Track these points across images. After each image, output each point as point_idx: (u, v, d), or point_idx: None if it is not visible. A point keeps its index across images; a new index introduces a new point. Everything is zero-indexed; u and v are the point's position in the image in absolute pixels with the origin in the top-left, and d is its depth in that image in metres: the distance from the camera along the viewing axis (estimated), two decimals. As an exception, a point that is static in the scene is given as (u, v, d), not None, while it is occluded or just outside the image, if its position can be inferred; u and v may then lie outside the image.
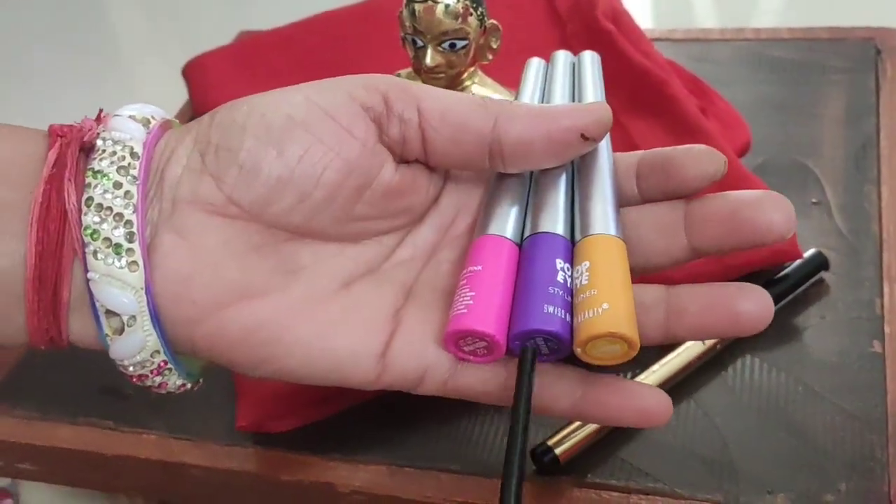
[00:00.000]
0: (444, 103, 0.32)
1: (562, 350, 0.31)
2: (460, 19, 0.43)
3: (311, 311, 0.31)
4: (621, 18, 0.59)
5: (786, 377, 0.43)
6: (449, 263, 0.34)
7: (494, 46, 0.46)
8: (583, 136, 0.32)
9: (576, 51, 0.59)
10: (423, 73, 0.45)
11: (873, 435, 0.40)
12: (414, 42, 0.44)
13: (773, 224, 0.31)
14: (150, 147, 0.31)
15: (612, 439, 0.41)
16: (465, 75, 0.46)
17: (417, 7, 0.43)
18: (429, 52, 0.44)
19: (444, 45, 0.43)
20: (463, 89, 0.46)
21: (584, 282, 0.31)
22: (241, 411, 0.44)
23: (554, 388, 0.32)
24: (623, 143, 0.53)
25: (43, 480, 0.49)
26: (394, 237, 0.34)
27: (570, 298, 0.31)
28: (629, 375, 0.43)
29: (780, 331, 0.45)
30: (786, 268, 0.46)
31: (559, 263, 0.32)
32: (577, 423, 0.41)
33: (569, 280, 0.31)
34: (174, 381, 0.32)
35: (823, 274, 0.47)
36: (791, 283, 0.46)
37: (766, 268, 0.46)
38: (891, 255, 0.48)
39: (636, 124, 0.54)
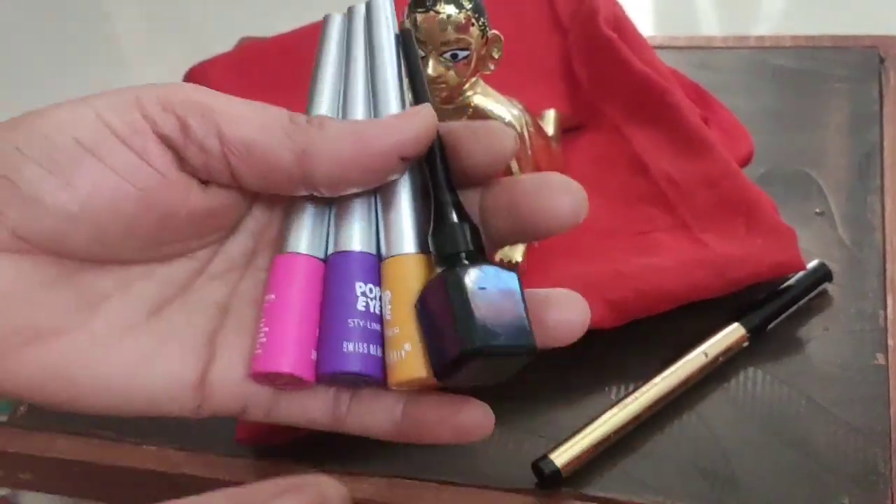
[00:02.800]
0: (246, 131, 0.29)
1: (377, 381, 0.30)
2: (462, 29, 0.43)
3: (117, 346, 0.29)
4: (623, 26, 0.59)
5: (788, 389, 0.43)
6: (265, 271, 0.32)
7: (496, 56, 0.45)
8: (402, 157, 0.29)
9: (577, 59, 0.59)
10: (425, 83, 0.45)
11: (876, 448, 0.40)
12: (415, 52, 0.44)
13: (554, 210, 0.29)
14: None
15: (614, 452, 0.41)
16: (467, 85, 0.45)
17: (419, 17, 0.43)
18: (430, 62, 0.43)
19: (445, 55, 0.43)
20: (464, 99, 0.46)
21: (387, 316, 0.29)
22: (241, 423, 0.43)
23: (373, 410, 0.31)
24: (624, 152, 0.53)
25: (43, 491, 0.49)
26: (207, 251, 0.32)
27: (377, 325, 0.30)
28: (630, 387, 0.43)
29: (783, 343, 0.45)
30: (789, 279, 0.46)
31: (360, 288, 0.30)
32: (578, 436, 0.41)
33: (372, 304, 0.30)
34: None
35: (827, 285, 0.47)
36: (794, 294, 0.46)
37: (770, 280, 0.46)
38: (894, 267, 0.47)
39: (637, 134, 0.53)
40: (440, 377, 0.28)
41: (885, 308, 0.46)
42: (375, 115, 0.32)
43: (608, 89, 0.57)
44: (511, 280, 0.28)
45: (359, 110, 0.32)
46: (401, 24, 0.32)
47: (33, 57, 1.51)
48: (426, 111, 0.30)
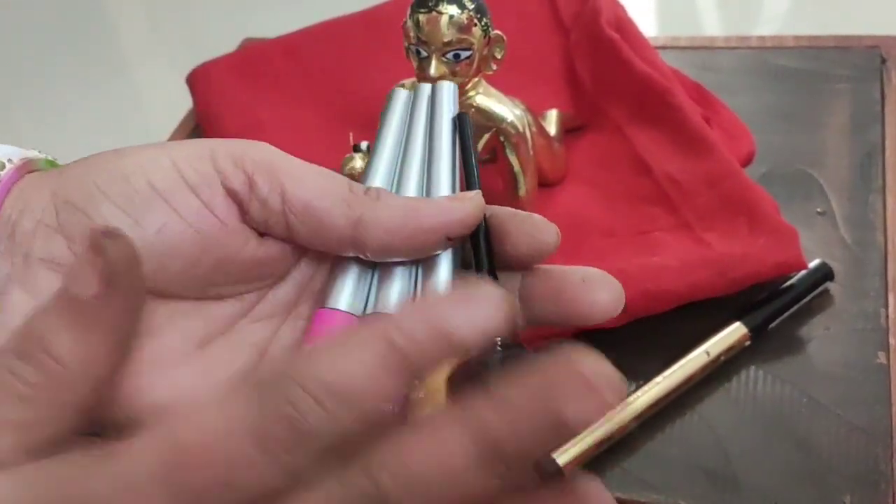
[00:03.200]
0: (309, 193, 0.31)
1: None
2: (464, 30, 0.43)
3: (164, 374, 0.31)
4: (625, 26, 0.59)
5: (790, 389, 0.43)
6: (305, 320, 0.34)
7: (499, 56, 0.45)
8: (448, 237, 0.31)
9: (579, 60, 0.59)
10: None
11: (878, 448, 0.40)
12: (418, 52, 0.44)
13: (595, 304, 0.31)
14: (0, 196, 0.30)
15: (615, 451, 0.41)
16: (469, 85, 0.46)
17: (422, 17, 0.43)
18: (433, 62, 0.44)
19: (448, 55, 0.43)
20: (467, 99, 0.46)
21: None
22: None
23: None
24: (626, 153, 0.53)
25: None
26: (254, 295, 0.33)
27: None
28: (632, 387, 0.43)
29: (785, 342, 0.45)
30: (790, 279, 0.46)
31: None
32: (580, 435, 0.41)
33: None
34: None
35: (828, 285, 0.47)
36: (795, 294, 0.46)
37: (771, 279, 0.46)
38: (895, 266, 0.47)
39: (639, 134, 0.54)
40: None
41: (886, 307, 0.46)
42: (427, 194, 0.34)
43: (610, 90, 0.57)
44: None
45: (412, 186, 0.34)
46: (460, 110, 0.33)
47: (35, 58, 1.51)
48: (476, 197, 0.32)
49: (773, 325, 0.45)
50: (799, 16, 1.28)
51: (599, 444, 0.41)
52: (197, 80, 0.65)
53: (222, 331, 0.33)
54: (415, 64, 0.45)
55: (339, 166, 0.48)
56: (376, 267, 0.33)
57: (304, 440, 0.22)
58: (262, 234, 0.32)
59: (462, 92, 0.45)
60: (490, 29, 0.44)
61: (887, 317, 0.45)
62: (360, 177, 0.45)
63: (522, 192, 0.48)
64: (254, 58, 0.66)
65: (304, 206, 0.31)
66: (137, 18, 1.67)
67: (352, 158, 0.47)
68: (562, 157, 0.54)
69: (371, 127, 0.49)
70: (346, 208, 0.31)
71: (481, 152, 0.47)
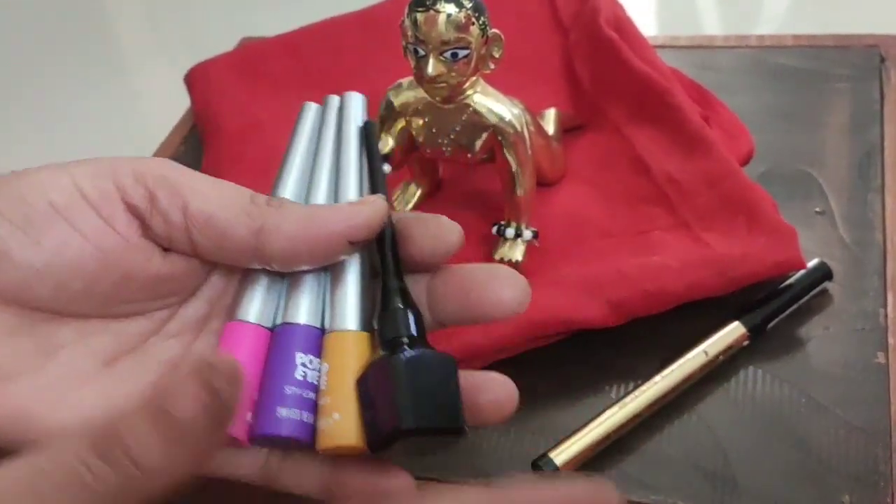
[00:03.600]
0: (210, 206, 0.31)
1: (307, 445, 0.31)
2: (462, 28, 0.43)
3: (71, 393, 0.31)
4: (624, 26, 0.59)
5: (789, 389, 0.43)
6: (217, 335, 0.34)
7: (497, 56, 0.45)
8: (351, 241, 0.32)
9: (578, 59, 0.59)
10: (425, 83, 0.45)
11: (878, 448, 0.40)
12: (416, 51, 0.44)
13: (501, 301, 0.31)
14: None
15: (613, 451, 0.41)
16: (467, 84, 0.45)
17: (419, 16, 0.43)
18: (430, 61, 0.43)
19: (445, 54, 0.43)
20: (465, 99, 0.46)
21: (322, 386, 0.31)
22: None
23: (301, 472, 0.32)
24: (625, 152, 0.53)
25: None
26: (164, 312, 0.34)
27: (312, 394, 0.31)
28: (630, 386, 0.43)
29: (784, 342, 0.45)
30: (789, 278, 0.46)
31: (300, 358, 0.32)
32: (578, 435, 0.41)
33: (311, 374, 0.32)
34: None
35: (827, 284, 0.47)
36: (794, 293, 0.46)
37: (770, 279, 0.46)
38: (895, 265, 0.47)
39: (638, 134, 0.53)
40: (373, 448, 0.30)
41: (885, 307, 0.45)
42: (336, 202, 0.34)
43: (609, 89, 0.57)
44: (448, 365, 0.31)
45: (321, 196, 0.35)
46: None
47: (34, 57, 1.51)
48: (378, 201, 0.33)
49: (771, 324, 0.45)
50: (798, 15, 1.28)
51: (597, 444, 0.41)
52: (195, 79, 0.65)
53: (132, 348, 0.33)
54: (412, 63, 0.44)
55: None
56: (285, 277, 0.34)
57: None
58: (166, 250, 0.32)
59: (460, 91, 0.45)
60: (488, 28, 0.44)
61: (886, 316, 0.45)
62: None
63: (520, 191, 0.48)
64: (252, 57, 0.66)
65: (205, 219, 0.31)
66: (136, 17, 1.66)
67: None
68: (560, 157, 0.54)
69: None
70: (247, 219, 0.31)
71: (479, 151, 0.47)
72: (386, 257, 0.33)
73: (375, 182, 0.35)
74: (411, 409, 0.29)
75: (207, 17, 1.48)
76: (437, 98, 0.46)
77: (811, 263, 0.46)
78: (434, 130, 0.47)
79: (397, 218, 0.34)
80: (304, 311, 0.33)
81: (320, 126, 0.36)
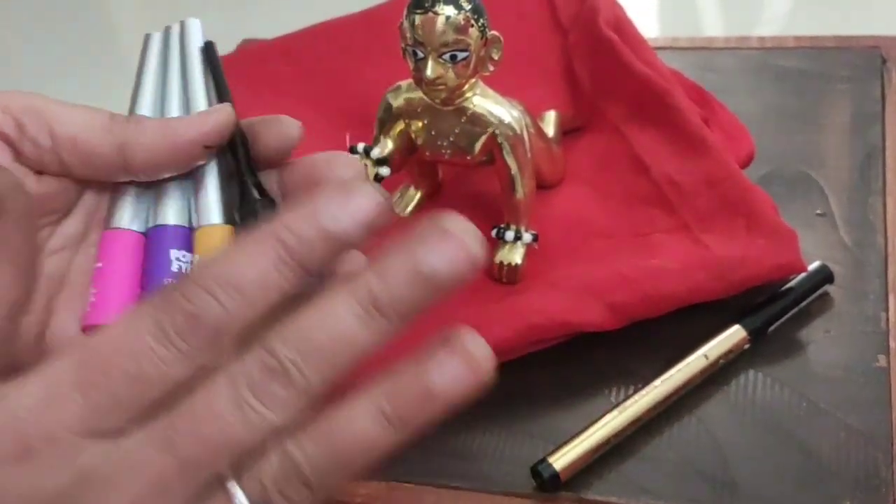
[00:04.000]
0: (74, 128, 0.34)
1: None
2: (461, 30, 0.43)
3: None
4: (624, 27, 0.58)
5: (789, 392, 0.43)
6: (96, 247, 0.37)
7: (496, 57, 0.45)
8: (205, 146, 0.35)
9: (578, 61, 0.59)
10: (425, 85, 0.45)
11: (878, 452, 0.40)
12: (415, 53, 0.44)
13: (341, 179, 0.35)
14: None
15: (613, 455, 0.41)
16: (466, 86, 0.45)
17: (418, 18, 0.42)
18: (429, 63, 0.43)
19: (444, 56, 0.43)
20: (464, 101, 0.46)
21: None
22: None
23: None
24: (625, 154, 0.53)
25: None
26: (44, 231, 0.36)
27: None
28: (630, 390, 0.43)
29: (784, 345, 0.45)
30: (790, 281, 0.46)
31: (174, 254, 0.36)
32: (577, 439, 0.41)
33: (185, 267, 0.36)
34: None
35: (828, 287, 0.46)
36: (795, 296, 0.46)
37: (770, 281, 0.45)
38: (896, 268, 0.47)
39: (638, 135, 0.53)
40: None
41: (886, 310, 0.45)
42: (188, 115, 0.38)
43: (609, 90, 0.56)
44: None
45: (174, 111, 0.38)
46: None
47: (34, 58, 1.51)
48: (225, 108, 0.36)
49: (772, 328, 0.45)
50: (799, 17, 1.28)
51: (597, 449, 0.41)
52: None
53: None
54: (411, 65, 0.44)
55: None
56: (152, 187, 0.37)
57: (202, 331, 0.25)
58: (39, 173, 0.35)
59: (459, 93, 0.45)
60: (487, 30, 0.44)
61: (887, 320, 0.45)
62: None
63: (520, 194, 0.47)
64: (251, 59, 0.66)
65: (71, 141, 0.34)
66: (137, 20, 1.66)
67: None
68: (560, 159, 0.54)
69: (367, 128, 0.50)
70: (109, 136, 0.34)
71: (478, 154, 0.47)
72: (239, 157, 0.36)
73: (221, 94, 0.38)
74: None
75: (208, 18, 1.48)
76: (437, 100, 0.46)
77: (812, 266, 0.46)
78: (433, 133, 0.47)
79: (244, 123, 0.37)
80: (172, 213, 0.36)
81: (165, 51, 0.40)
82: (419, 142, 0.48)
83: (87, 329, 0.35)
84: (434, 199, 0.54)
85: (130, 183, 0.37)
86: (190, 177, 0.37)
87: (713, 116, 0.55)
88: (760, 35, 0.65)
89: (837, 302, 0.46)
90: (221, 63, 0.39)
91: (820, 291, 0.46)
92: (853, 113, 0.57)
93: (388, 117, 0.48)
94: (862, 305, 0.46)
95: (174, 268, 0.35)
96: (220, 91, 0.38)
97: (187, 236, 0.36)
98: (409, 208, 0.53)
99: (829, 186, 0.52)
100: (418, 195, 0.53)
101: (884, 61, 0.60)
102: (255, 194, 0.36)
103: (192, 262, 0.36)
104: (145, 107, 0.38)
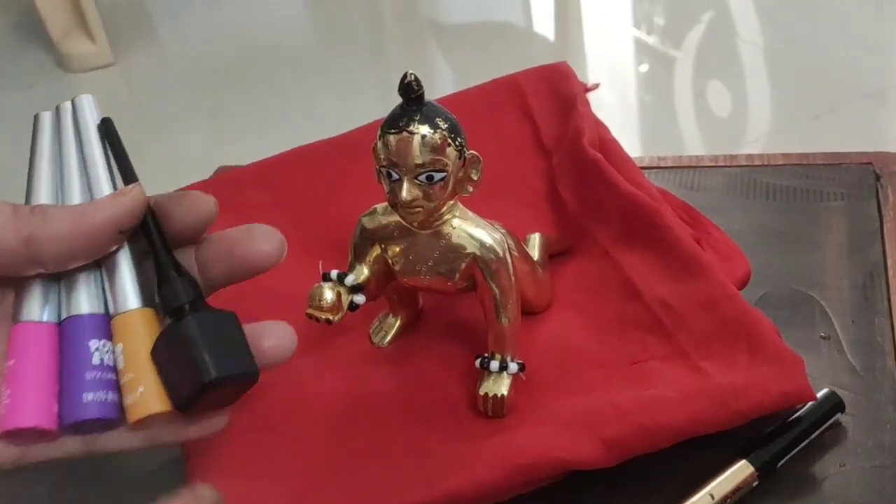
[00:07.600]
0: None
1: (116, 422, 0.35)
2: (438, 150, 0.41)
3: None
4: (609, 147, 0.57)
5: (806, 535, 0.39)
6: (5, 342, 0.35)
7: (475, 178, 0.43)
8: (120, 231, 0.35)
9: (562, 182, 0.57)
10: (400, 208, 0.42)
11: None
12: (389, 175, 0.41)
13: (261, 253, 0.36)
14: None
15: None
16: (445, 209, 0.43)
17: (392, 138, 0.40)
18: (405, 185, 0.41)
19: (420, 177, 0.41)
20: (442, 224, 0.43)
21: (121, 365, 0.35)
22: None
23: (120, 441, 0.36)
24: (615, 277, 0.51)
25: None
26: None
27: (112, 375, 0.35)
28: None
29: (797, 482, 0.41)
30: (797, 410, 0.43)
31: (94, 345, 0.35)
32: None
33: (106, 357, 0.35)
34: None
35: (839, 416, 0.43)
36: (805, 427, 0.42)
37: (778, 410, 0.42)
38: (910, 394, 0.44)
39: (628, 257, 0.51)
40: (182, 409, 0.34)
41: (904, 440, 0.42)
42: (92, 199, 0.36)
43: (596, 211, 0.54)
44: (231, 320, 0.35)
45: (75, 196, 0.37)
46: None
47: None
48: (136, 189, 0.36)
49: (782, 462, 0.41)
50: (782, 137, 1.29)
51: None
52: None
53: None
54: (386, 188, 0.42)
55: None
56: (60, 277, 0.36)
57: None
58: None
59: (437, 216, 0.43)
60: (465, 149, 0.42)
61: (906, 451, 0.42)
62: (329, 309, 0.44)
63: (504, 321, 0.45)
64: (227, 185, 0.64)
65: None
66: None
67: (320, 288, 0.44)
68: (547, 284, 0.51)
69: (343, 254, 0.47)
70: (14, 231, 0.33)
71: (459, 279, 0.44)
72: (152, 237, 0.36)
73: (126, 174, 0.37)
74: (209, 362, 0.33)
75: (186, 147, 1.49)
76: (413, 223, 0.44)
77: (821, 393, 0.43)
78: (411, 258, 0.45)
79: (154, 201, 0.36)
80: (85, 301, 0.35)
81: (59, 132, 0.38)
82: (396, 267, 0.45)
83: (5, 435, 0.33)
84: (414, 327, 0.51)
85: (36, 274, 0.35)
86: (101, 261, 0.36)
87: (705, 236, 0.53)
88: (747, 153, 0.64)
89: (851, 432, 0.43)
90: (121, 140, 0.38)
91: (831, 421, 0.43)
92: (850, 231, 0.55)
93: (364, 242, 0.46)
94: (878, 435, 0.43)
95: (95, 360, 0.34)
96: (123, 170, 0.37)
97: (105, 324, 0.35)
98: (388, 337, 0.50)
99: (831, 308, 0.50)
100: (398, 323, 0.51)
101: (877, 177, 0.58)
102: (174, 274, 0.35)
103: (113, 353, 0.35)
104: (43, 193, 0.37)
